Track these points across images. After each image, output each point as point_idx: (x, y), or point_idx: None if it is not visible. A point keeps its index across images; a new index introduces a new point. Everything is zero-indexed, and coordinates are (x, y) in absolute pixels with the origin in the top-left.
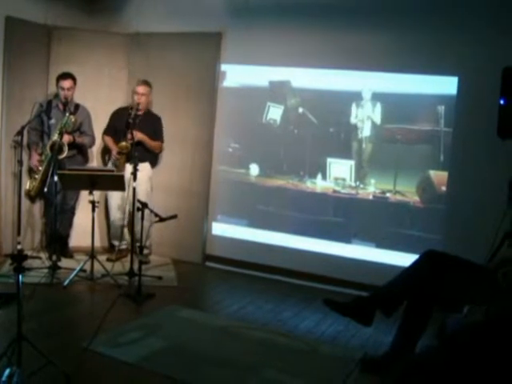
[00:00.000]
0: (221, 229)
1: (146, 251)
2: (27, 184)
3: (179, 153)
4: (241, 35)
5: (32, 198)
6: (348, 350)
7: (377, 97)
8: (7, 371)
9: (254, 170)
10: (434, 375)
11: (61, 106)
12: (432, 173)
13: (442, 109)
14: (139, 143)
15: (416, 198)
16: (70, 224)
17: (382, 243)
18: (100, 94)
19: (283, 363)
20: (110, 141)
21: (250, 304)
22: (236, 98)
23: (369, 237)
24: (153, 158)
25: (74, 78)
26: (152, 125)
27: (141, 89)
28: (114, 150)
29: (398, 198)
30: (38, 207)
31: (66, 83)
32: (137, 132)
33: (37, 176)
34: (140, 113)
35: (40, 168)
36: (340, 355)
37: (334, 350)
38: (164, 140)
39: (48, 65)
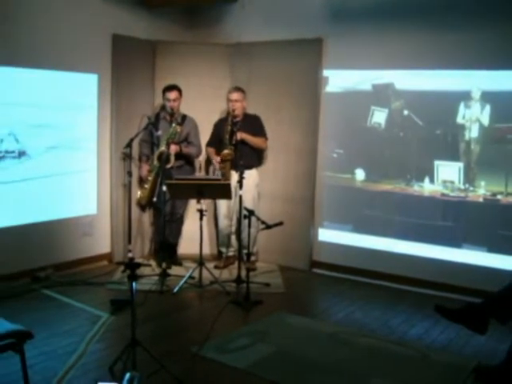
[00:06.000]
0: (327, 235)
1: (252, 258)
2: (138, 193)
3: (283, 160)
4: (341, 40)
5: (143, 207)
6: (461, 358)
7: (486, 95)
8: (128, 375)
9: (360, 174)
10: None
11: (167, 118)
12: None
13: None
14: (244, 145)
15: None
16: (178, 232)
17: (494, 247)
18: (203, 105)
19: (393, 371)
20: (212, 152)
21: (357, 310)
22: (339, 103)
23: (480, 241)
24: (259, 163)
25: (179, 90)
26: (252, 124)
27: (234, 95)
28: (215, 160)
29: (510, 200)
30: (147, 216)
31: (172, 94)
32: (240, 133)
33: (146, 186)
34: (238, 119)
35: (149, 178)
36: (452, 363)
37: (446, 358)
38: (267, 137)
39: (153, 78)
